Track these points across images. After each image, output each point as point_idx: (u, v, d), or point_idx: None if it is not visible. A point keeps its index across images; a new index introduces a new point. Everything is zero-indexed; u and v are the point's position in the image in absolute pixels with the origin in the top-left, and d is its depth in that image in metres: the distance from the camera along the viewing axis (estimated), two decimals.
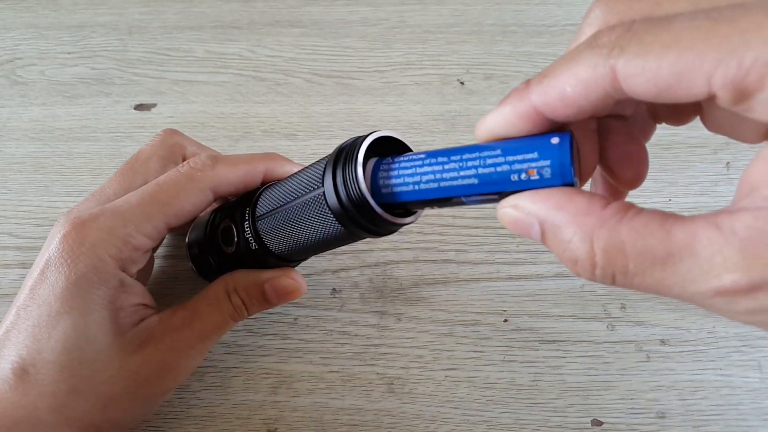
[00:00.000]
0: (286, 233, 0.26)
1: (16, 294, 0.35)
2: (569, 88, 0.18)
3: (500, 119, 0.20)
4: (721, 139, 0.42)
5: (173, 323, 0.28)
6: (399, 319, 0.35)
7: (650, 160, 0.41)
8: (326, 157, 0.24)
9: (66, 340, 0.25)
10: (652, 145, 0.41)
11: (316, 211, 0.24)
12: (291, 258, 0.28)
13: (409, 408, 0.32)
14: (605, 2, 0.19)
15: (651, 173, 0.40)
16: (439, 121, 0.43)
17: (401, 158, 0.21)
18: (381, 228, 0.23)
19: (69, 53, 0.46)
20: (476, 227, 0.38)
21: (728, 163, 0.41)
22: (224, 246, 0.29)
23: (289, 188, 0.26)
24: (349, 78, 0.45)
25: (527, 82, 0.20)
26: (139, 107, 0.43)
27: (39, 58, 0.46)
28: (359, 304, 0.35)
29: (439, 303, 0.35)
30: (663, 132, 0.42)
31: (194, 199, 0.28)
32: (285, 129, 0.42)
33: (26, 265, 0.36)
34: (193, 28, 0.47)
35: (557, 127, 0.19)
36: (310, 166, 0.25)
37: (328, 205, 0.23)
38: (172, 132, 0.32)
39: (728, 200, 0.40)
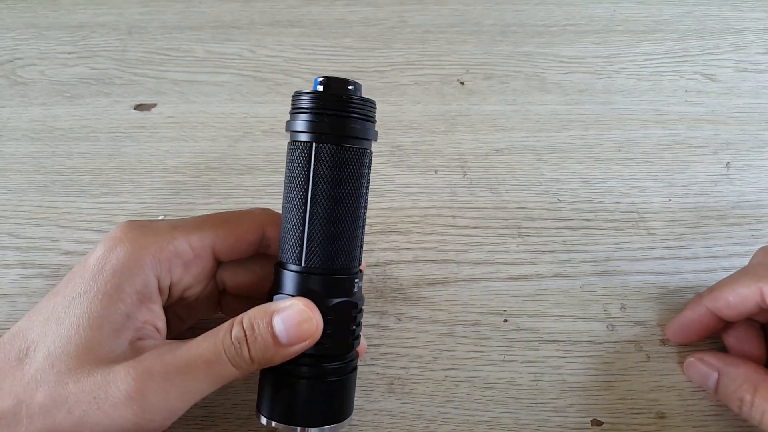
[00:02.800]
0: (296, 218, 0.26)
1: (16, 294, 0.35)
2: (731, 298, 0.30)
3: (685, 319, 0.33)
4: (721, 139, 0.42)
5: (162, 348, 0.25)
6: (399, 319, 0.35)
7: (650, 160, 0.41)
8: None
9: (66, 326, 0.24)
10: (652, 145, 0.42)
11: (299, 157, 0.26)
12: (324, 260, 0.26)
13: (409, 408, 0.32)
14: (765, 249, 0.33)
15: (651, 173, 0.40)
16: (439, 121, 0.43)
17: None
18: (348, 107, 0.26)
19: (69, 53, 0.46)
20: (476, 227, 0.38)
21: (728, 163, 0.41)
22: None
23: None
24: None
25: (700, 295, 0.33)
26: (139, 107, 0.43)
27: (39, 58, 0.46)
28: None
29: (439, 303, 0.35)
30: (663, 132, 0.42)
31: (245, 227, 0.29)
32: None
33: (26, 266, 0.36)
34: (193, 28, 0.47)
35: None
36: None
37: (300, 141, 0.26)
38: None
39: (728, 200, 0.40)
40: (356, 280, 0.28)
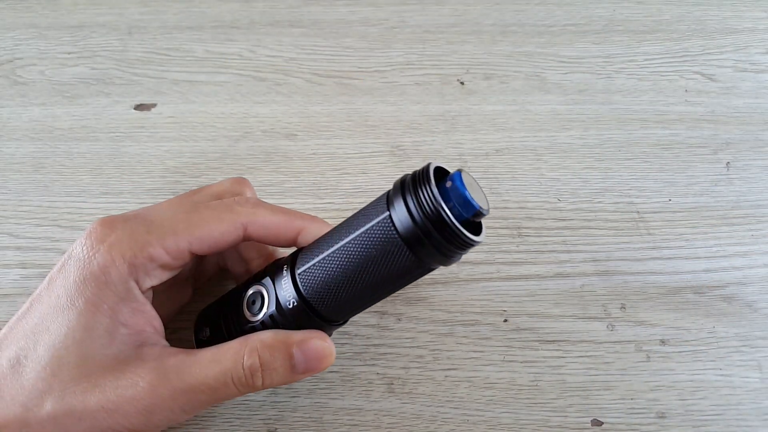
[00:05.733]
0: (340, 278, 0.24)
1: (16, 294, 0.35)
2: None
3: None
4: (721, 139, 0.42)
5: (167, 364, 0.25)
6: (399, 319, 0.35)
7: (650, 160, 0.41)
8: (375, 201, 0.24)
9: (57, 336, 0.25)
10: (652, 145, 0.42)
11: (381, 238, 0.23)
12: (337, 315, 0.26)
13: (409, 408, 0.32)
14: None
15: (651, 173, 0.40)
16: (439, 121, 0.43)
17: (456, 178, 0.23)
18: (454, 247, 0.22)
19: (69, 53, 0.46)
20: None
21: (728, 163, 0.41)
22: (249, 314, 0.27)
23: (343, 229, 0.25)
24: (349, 78, 0.45)
25: None
26: (139, 107, 0.43)
27: (39, 58, 0.46)
28: None
29: (439, 303, 0.35)
30: (663, 132, 0.42)
31: (223, 228, 0.27)
32: (285, 129, 0.42)
33: (26, 266, 0.36)
34: (193, 28, 0.47)
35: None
36: (362, 209, 0.25)
37: (396, 228, 0.23)
38: (243, 181, 0.31)
39: (727, 200, 0.40)
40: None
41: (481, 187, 0.24)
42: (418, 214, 0.22)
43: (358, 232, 0.24)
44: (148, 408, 0.24)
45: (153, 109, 0.43)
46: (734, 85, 0.45)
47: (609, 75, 0.45)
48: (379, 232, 0.23)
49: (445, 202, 0.22)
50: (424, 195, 0.22)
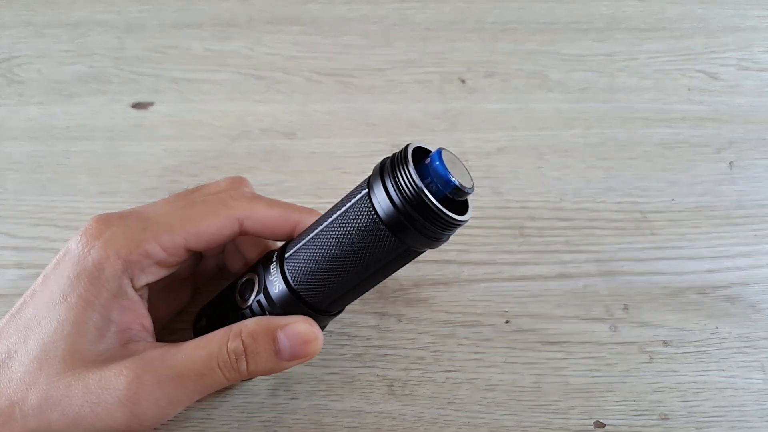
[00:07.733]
0: (320, 263, 0.24)
1: (13, 294, 0.35)
2: None
3: None
4: (724, 137, 0.42)
5: (151, 354, 0.25)
6: (399, 320, 0.34)
7: (653, 159, 0.41)
8: (359, 185, 0.24)
9: (47, 330, 0.25)
10: (655, 145, 0.41)
11: (358, 215, 0.23)
12: (325, 302, 0.26)
13: (410, 410, 0.32)
14: None
15: (654, 173, 0.40)
16: (440, 120, 0.42)
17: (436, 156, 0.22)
18: (438, 229, 0.22)
19: (66, 51, 0.46)
20: (478, 227, 0.38)
21: (731, 162, 0.41)
22: (240, 301, 0.27)
23: (327, 213, 0.25)
24: (349, 76, 0.45)
25: None
26: (137, 106, 0.43)
27: (36, 56, 0.45)
28: (359, 305, 0.35)
29: (440, 304, 0.35)
30: (666, 131, 0.42)
31: (219, 224, 0.27)
32: (284, 128, 0.42)
33: (23, 266, 0.36)
34: (192, 25, 0.47)
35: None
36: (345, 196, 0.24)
37: (372, 203, 0.22)
38: (242, 181, 0.31)
39: (731, 200, 0.39)
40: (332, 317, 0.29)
41: (466, 167, 0.23)
42: (394, 189, 0.22)
43: (337, 213, 0.24)
44: (132, 399, 0.24)
45: (151, 108, 0.43)
46: (737, 84, 0.45)
47: (611, 73, 0.45)
48: (357, 210, 0.23)
49: (422, 179, 0.21)
50: (400, 171, 0.22)
